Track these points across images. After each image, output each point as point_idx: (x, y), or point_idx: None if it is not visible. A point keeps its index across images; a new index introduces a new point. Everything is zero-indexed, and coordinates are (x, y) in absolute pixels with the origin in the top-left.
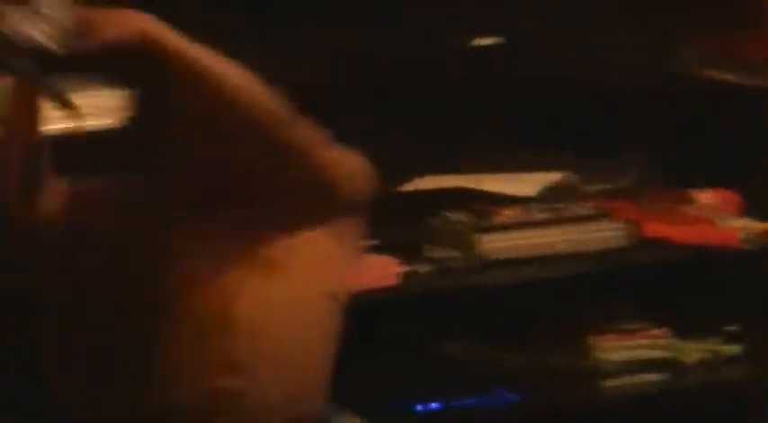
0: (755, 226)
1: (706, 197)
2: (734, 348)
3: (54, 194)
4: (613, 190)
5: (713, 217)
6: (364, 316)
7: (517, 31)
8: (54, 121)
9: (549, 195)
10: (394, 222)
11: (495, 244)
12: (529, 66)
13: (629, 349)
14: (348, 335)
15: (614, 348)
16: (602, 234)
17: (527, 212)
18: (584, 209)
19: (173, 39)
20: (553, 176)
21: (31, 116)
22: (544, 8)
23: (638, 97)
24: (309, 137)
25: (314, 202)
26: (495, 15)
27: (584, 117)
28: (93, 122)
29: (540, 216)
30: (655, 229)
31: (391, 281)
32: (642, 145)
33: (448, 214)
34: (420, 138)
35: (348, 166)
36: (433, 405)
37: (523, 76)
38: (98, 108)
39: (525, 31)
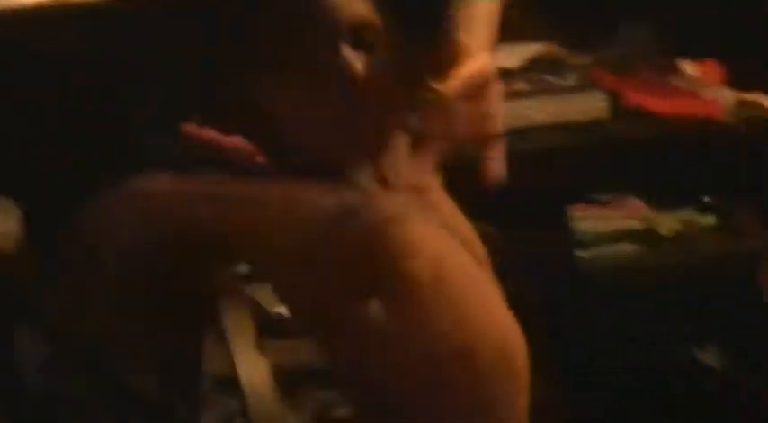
0: (739, 97)
1: (692, 68)
2: (709, 219)
3: None
4: (600, 61)
5: (697, 88)
6: None
7: None
8: None
9: (534, 66)
10: None
11: None
12: None
13: (606, 220)
14: None
15: (592, 218)
16: (585, 105)
17: (509, 84)
18: (567, 80)
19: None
20: (537, 47)
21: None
22: None
23: None
24: None
25: None
26: None
27: None
28: None
29: (521, 87)
30: (636, 99)
31: None
32: (634, 15)
33: None
34: None
35: None
36: None
37: None
38: None
39: None
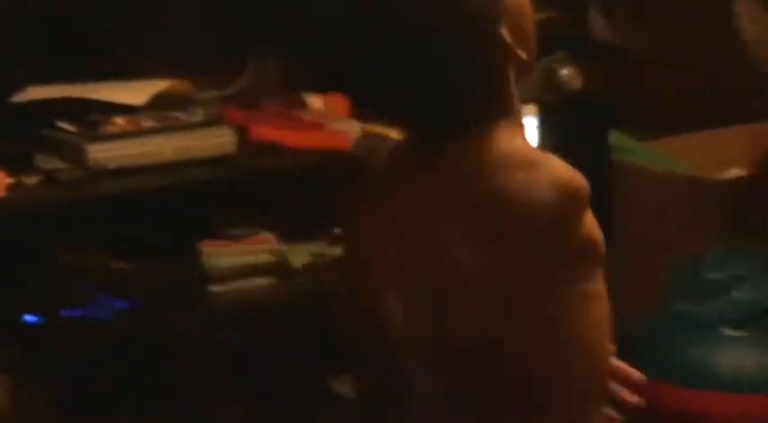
0: (364, 128)
1: (317, 101)
2: (339, 250)
3: None
4: (227, 96)
5: (324, 120)
6: None
7: None
8: None
9: (160, 103)
10: (4, 133)
11: (104, 153)
12: None
13: (237, 255)
14: None
15: (223, 254)
16: (212, 141)
17: (137, 121)
18: (195, 116)
19: None
20: (163, 84)
21: None
22: None
23: None
24: None
25: None
26: None
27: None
28: None
29: (150, 124)
30: (264, 133)
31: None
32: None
33: (58, 124)
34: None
35: None
36: (37, 317)
37: None
38: None
39: None
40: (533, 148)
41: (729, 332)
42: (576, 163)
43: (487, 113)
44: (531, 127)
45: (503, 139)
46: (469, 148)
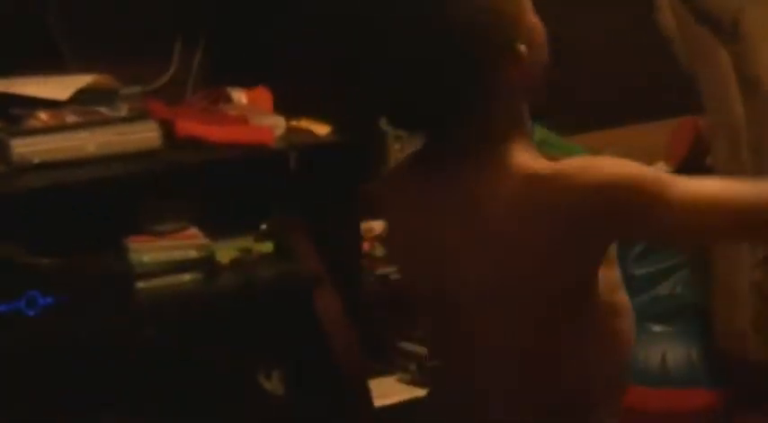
0: (288, 123)
1: (241, 96)
2: (266, 246)
3: None
4: (151, 90)
5: (248, 115)
6: None
7: None
8: None
9: (84, 98)
10: None
11: (28, 148)
12: None
13: (164, 250)
14: None
15: (149, 250)
16: (138, 136)
17: (60, 116)
18: (119, 111)
19: None
20: (87, 79)
21: None
22: None
23: None
24: None
25: None
26: None
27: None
28: None
29: (73, 119)
30: (188, 128)
31: None
32: (180, 41)
33: None
34: None
35: None
36: None
37: None
38: None
39: None
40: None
41: (656, 328)
42: None
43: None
44: None
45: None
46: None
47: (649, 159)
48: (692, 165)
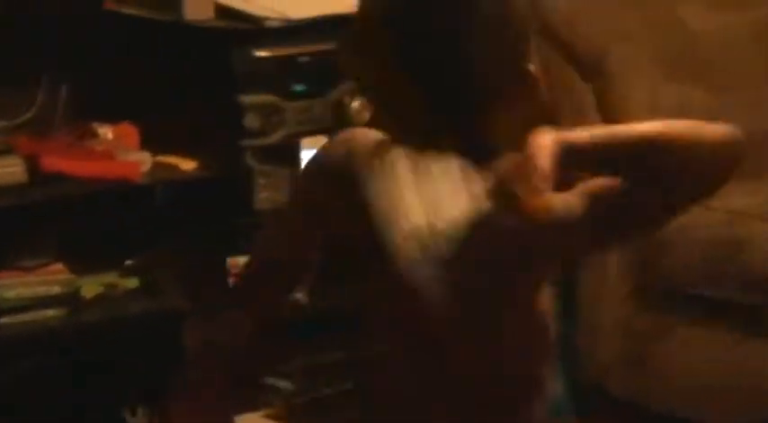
0: (153, 159)
1: (107, 131)
2: (132, 281)
3: None
4: (17, 125)
5: (114, 151)
6: None
7: None
8: None
9: None
10: None
11: None
12: None
13: (29, 286)
14: None
15: (14, 285)
16: (2, 170)
17: None
18: None
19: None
20: None
21: None
22: None
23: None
24: None
25: None
26: None
27: None
28: None
29: None
30: (54, 163)
31: None
32: (46, 76)
33: None
34: None
35: None
36: None
37: None
38: None
39: None
40: None
41: None
42: None
43: None
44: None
45: None
46: None
47: None
48: None
